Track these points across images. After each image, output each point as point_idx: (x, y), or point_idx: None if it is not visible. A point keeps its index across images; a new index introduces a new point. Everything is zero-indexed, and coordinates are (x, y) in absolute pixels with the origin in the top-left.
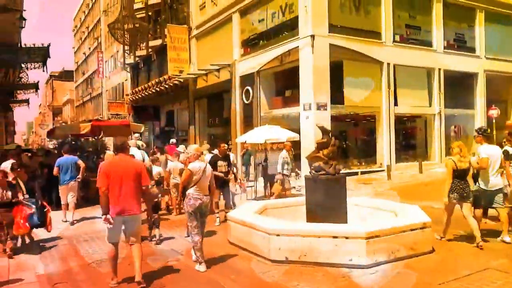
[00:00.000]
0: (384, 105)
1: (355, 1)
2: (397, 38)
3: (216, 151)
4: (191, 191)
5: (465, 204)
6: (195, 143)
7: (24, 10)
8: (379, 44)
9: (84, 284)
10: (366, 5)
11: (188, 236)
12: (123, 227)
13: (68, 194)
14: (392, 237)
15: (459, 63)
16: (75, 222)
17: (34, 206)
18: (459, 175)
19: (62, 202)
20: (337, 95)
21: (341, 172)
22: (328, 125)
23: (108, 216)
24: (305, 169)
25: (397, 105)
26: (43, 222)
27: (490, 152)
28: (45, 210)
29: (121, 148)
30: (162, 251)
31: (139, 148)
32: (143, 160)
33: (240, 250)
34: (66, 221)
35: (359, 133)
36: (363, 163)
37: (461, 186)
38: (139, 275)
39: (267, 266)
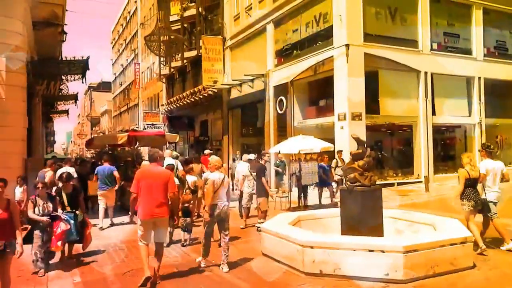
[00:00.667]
0: (422, 114)
1: (391, 9)
2: (435, 46)
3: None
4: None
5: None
6: (228, 153)
7: (65, 25)
8: (416, 53)
9: None
10: (402, 13)
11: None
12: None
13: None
14: (430, 252)
15: (501, 71)
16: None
17: (72, 222)
18: (471, 184)
19: (100, 207)
20: (372, 105)
21: (376, 183)
22: (363, 135)
23: (135, 217)
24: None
25: (435, 115)
26: (81, 239)
27: (491, 167)
28: (85, 226)
29: (153, 159)
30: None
31: (177, 157)
32: (177, 169)
33: (273, 261)
34: (102, 228)
35: (395, 143)
36: (400, 174)
37: (474, 194)
38: (157, 272)
39: (301, 279)
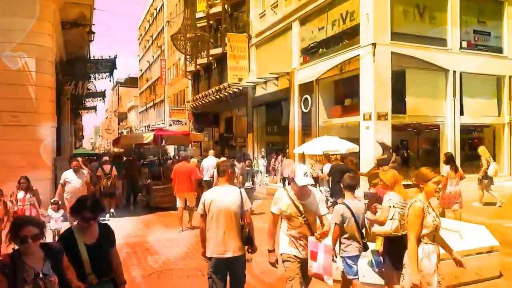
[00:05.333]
0: (449, 114)
1: (419, 7)
2: (464, 44)
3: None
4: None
5: None
6: (253, 150)
7: (93, 25)
8: (445, 51)
9: None
10: (431, 11)
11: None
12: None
13: None
14: None
15: None
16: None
17: None
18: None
19: None
20: (398, 104)
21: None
22: (388, 135)
23: (175, 193)
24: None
25: (463, 115)
26: None
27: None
28: None
29: (184, 158)
30: None
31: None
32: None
33: None
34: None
35: (422, 143)
36: None
37: None
38: (190, 223)
39: (325, 285)
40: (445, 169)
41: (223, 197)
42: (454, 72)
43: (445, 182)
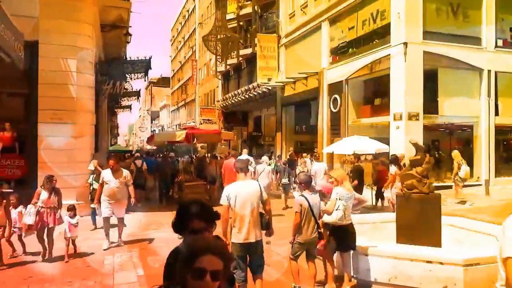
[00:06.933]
0: (483, 114)
1: (453, 5)
2: (500, 43)
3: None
4: None
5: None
6: (281, 149)
7: (130, 27)
8: (479, 50)
9: None
10: (465, 9)
11: None
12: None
13: None
14: (494, 266)
15: None
16: None
17: None
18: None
19: None
20: (430, 104)
21: (433, 185)
22: (420, 136)
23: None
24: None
25: (498, 115)
26: None
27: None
28: None
29: (232, 155)
30: None
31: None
32: (251, 163)
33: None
34: None
35: (454, 144)
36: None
37: None
38: None
39: (356, 286)
40: (392, 169)
41: (246, 190)
42: (489, 71)
43: (393, 180)
